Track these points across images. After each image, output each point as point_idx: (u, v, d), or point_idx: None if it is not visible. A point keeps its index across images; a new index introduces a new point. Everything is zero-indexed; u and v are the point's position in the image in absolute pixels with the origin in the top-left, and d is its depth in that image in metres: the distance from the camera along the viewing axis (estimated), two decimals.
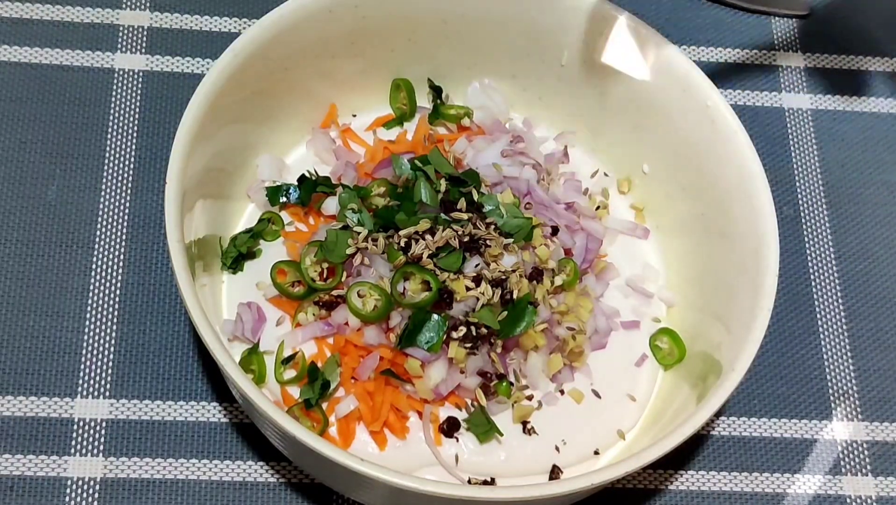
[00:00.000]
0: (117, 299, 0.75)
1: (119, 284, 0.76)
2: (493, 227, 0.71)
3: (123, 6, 0.86)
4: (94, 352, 0.74)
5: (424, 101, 0.81)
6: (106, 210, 0.78)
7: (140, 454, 0.71)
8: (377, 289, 0.68)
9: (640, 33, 0.74)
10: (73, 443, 0.71)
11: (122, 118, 0.82)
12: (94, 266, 0.76)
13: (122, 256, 0.77)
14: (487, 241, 0.70)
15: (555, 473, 0.69)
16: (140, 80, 0.83)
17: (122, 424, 0.72)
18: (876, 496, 0.75)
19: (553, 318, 0.71)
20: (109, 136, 0.81)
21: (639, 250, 0.78)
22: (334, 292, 0.69)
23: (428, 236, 0.69)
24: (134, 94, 0.83)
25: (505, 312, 0.68)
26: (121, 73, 0.83)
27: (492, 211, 0.71)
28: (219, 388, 0.74)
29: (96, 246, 0.77)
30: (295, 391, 0.69)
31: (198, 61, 0.85)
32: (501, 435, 0.68)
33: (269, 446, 0.71)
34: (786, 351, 0.79)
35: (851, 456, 0.76)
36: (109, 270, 0.76)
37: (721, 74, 0.90)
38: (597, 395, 0.72)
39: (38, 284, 0.75)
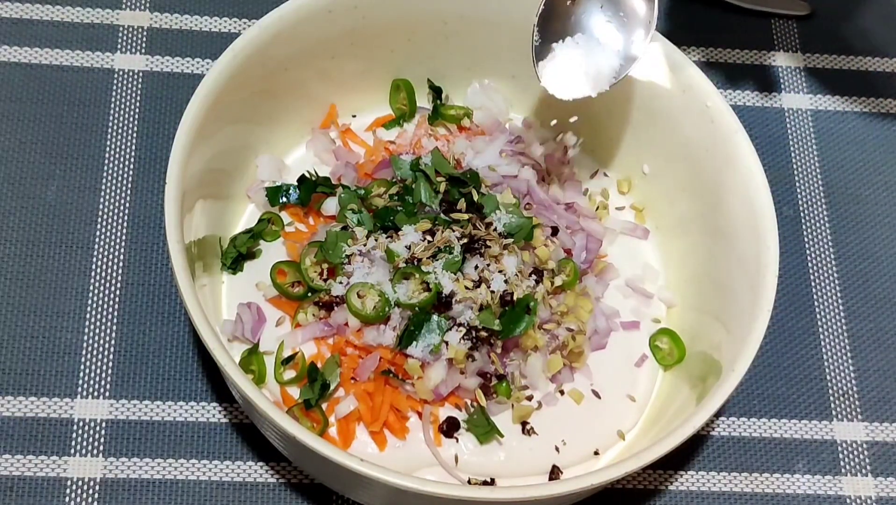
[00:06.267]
0: (117, 300, 0.75)
1: (119, 285, 0.76)
2: (492, 227, 0.71)
3: (123, 6, 0.86)
4: (94, 352, 0.74)
5: (424, 101, 0.81)
6: (106, 210, 0.78)
7: (140, 454, 0.71)
8: (377, 289, 0.68)
9: None
10: (73, 443, 0.71)
11: (122, 118, 0.82)
12: (93, 266, 0.76)
13: (121, 257, 0.77)
14: (487, 242, 0.70)
15: (555, 473, 0.69)
16: (140, 80, 0.83)
17: (122, 424, 0.72)
18: (876, 496, 0.75)
19: (553, 318, 0.71)
20: (109, 136, 0.81)
21: (639, 250, 0.78)
22: (334, 293, 0.69)
23: (428, 237, 0.69)
24: (134, 95, 0.83)
25: (505, 313, 0.68)
26: (120, 73, 0.83)
27: (492, 211, 0.71)
28: (219, 388, 0.74)
29: (96, 246, 0.77)
30: (295, 392, 0.69)
31: (198, 61, 0.85)
32: (502, 436, 0.68)
33: (269, 446, 0.71)
34: (786, 351, 0.79)
35: (851, 456, 0.76)
36: (109, 271, 0.76)
37: (721, 74, 0.90)
38: (596, 395, 0.72)
39: (37, 284, 0.75)
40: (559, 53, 0.69)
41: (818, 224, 0.84)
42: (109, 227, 0.78)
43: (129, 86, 0.83)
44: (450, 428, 0.68)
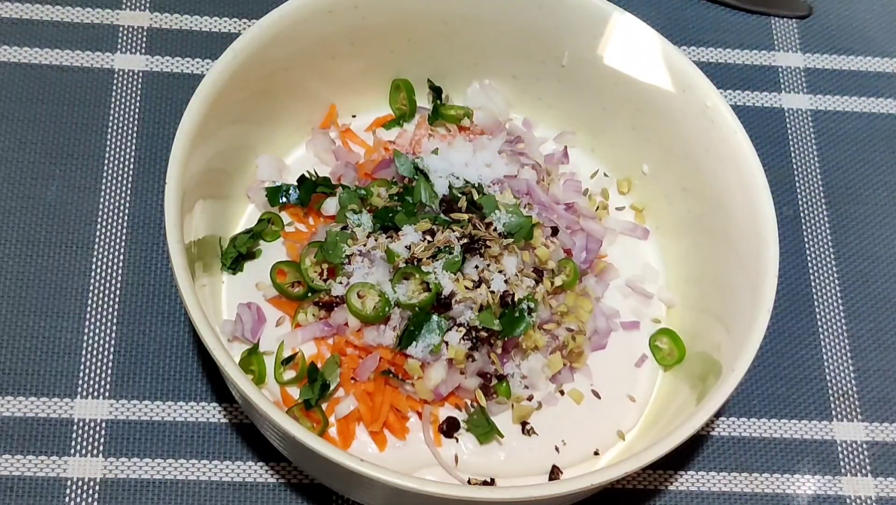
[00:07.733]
0: (117, 300, 0.75)
1: (119, 285, 0.76)
2: (492, 227, 0.71)
3: (123, 6, 0.86)
4: (94, 352, 0.74)
5: (424, 101, 0.81)
6: (106, 210, 0.78)
7: (140, 455, 0.71)
8: (377, 290, 0.68)
9: (641, 34, 0.74)
10: (73, 443, 0.71)
11: (122, 118, 0.82)
12: (93, 266, 0.76)
13: (122, 257, 0.77)
14: (487, 242, 0.70)
15: (555, 473, 0.69)
16: (140, 80, 0.83)
17: (122, 424, 0.72)
18: (876, 496, 0.75)
19: (553, 318, 0.71)
20: (109, 136, 0.81)
21: (639, 251, 0.78)
22: (334, 293, 0.69)
23: (428, 237, 0.69)
24: (134, 95, 0.83)
25: (505, 313, 0.68)
26: (120, 73, 0.83)
27: (491, 211, 0.71)
28: (219, 388, 0.74)
29: (96, 246, 0.77)
30: (295, 392, 0.69)
31: (198, 61, 0.85)
32: (502, 436, 0.68)
33: (268, 447, 0.71)
34: (786, 351, 0.79)
35: (851, 456, 0.76)
36: (109, 271, 0.76)
37: (721, 74, 0.90)
38: (596, 395, 0.72)
39: (37, 284, 0.75)
40: None
41: (818, 224, 0.84)
42: (109, 227, 0.78)
43: (129, 86, 0.83)
44: (450, 428, 0.68)
